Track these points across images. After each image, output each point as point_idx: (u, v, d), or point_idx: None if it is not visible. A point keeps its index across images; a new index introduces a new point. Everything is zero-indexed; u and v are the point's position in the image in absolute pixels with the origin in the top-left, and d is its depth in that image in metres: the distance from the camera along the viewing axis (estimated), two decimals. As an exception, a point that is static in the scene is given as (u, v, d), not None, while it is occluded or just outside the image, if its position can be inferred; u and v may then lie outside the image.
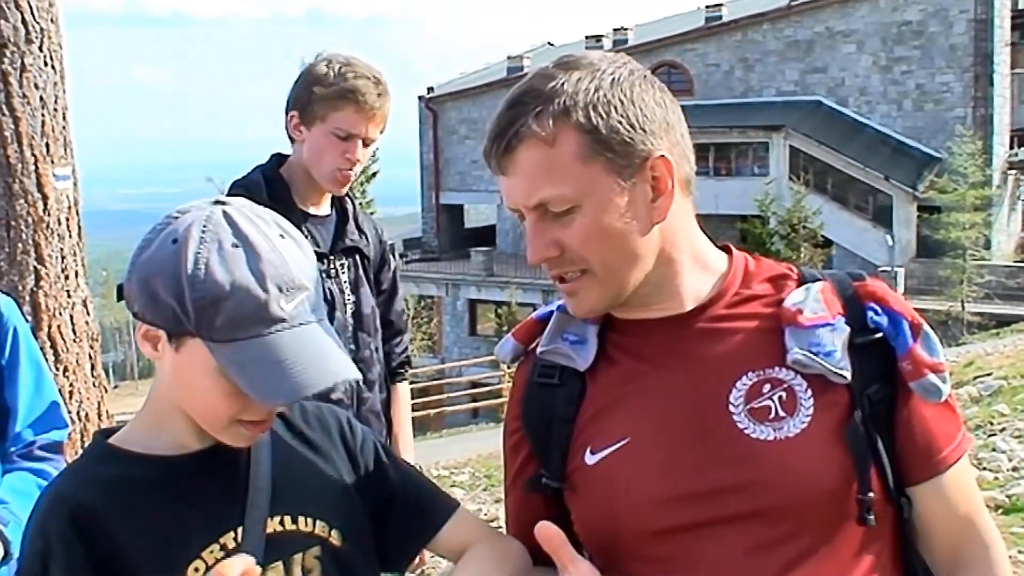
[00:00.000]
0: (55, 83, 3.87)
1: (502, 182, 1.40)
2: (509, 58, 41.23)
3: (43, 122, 3.82)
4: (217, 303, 1.28)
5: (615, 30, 39.15)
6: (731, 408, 1.36)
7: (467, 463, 12.60)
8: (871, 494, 1.34)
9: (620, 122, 1.35)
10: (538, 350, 1.51)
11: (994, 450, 7.52)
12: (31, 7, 3.76)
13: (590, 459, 1.42)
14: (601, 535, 1.44)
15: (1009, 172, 34.18)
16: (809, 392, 1.36)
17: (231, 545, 1.37)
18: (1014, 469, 7.12)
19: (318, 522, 1.46)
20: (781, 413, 1.35)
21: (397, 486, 1.56)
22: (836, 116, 34.28)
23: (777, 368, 1.37)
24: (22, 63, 3.75)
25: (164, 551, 1.35)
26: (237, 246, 1.31)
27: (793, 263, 1.55)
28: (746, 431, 1.35)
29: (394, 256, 3.11)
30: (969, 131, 30.93)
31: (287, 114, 2.78)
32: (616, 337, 1.47)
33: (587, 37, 40.05)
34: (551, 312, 1.54)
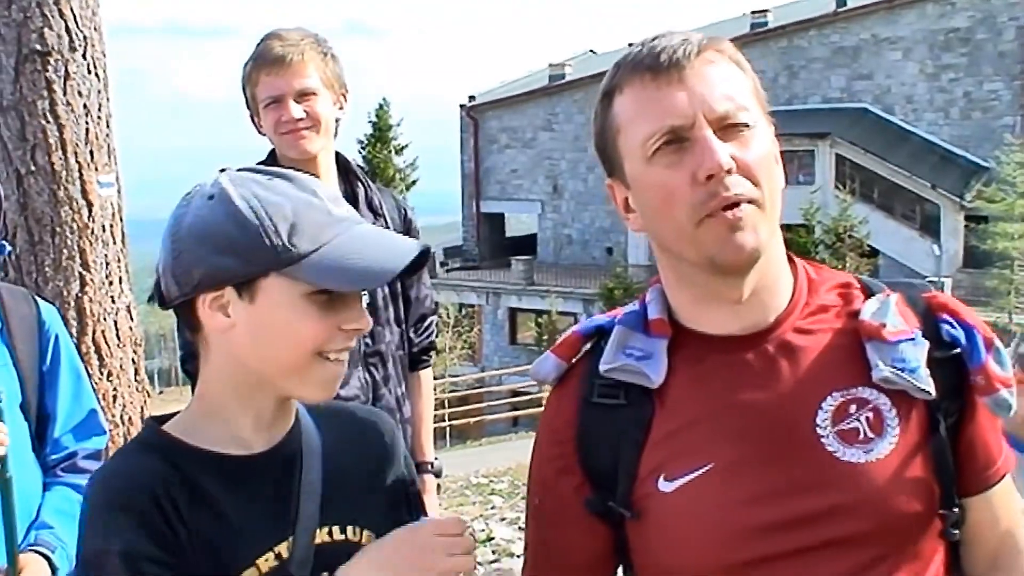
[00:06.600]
0: (98, 91, 3.90)
1: (670, 95, 1.29)
2: (551, 66, 41.23)
3: (87, 129, 3.85)
4: (288, 222, 1.30)
5: (657, 38, 39.00)
6: (818, 430, 1.31)
7: (507, 471, 12.58)
8: (956, 508, 1.33)
9: (757, 82, 1.36)
10: (601, 367, 1.39)
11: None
12: (75, 16, 3.79)
13: (666, 486, 1.33)
14: (675, 567, 1.35)
15: (1059, 181, 33.63)
16: (894, 411, 1.32)
17: (285, 555, 1.36)
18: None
19: (366, 531, 1.43)
20: (870, 434, 1.30)
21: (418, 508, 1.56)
22: (882, 124, 33.92)
23: (861, 387, 1.32)
24: (66, 71, 3.78)
25: (219, 554, 1.32)
26: (271, 178, 1.35)
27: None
28: (836, 454, 1.30)
29: (418, 231, 2.96)
30: (1018, 139, 30.41)
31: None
32: (685, 352, 1.38)
33: (629, 44, 39.88)
34: (596, 327, 1.45)
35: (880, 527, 1.28)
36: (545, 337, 31.08)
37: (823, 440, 1.30)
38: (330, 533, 1.40)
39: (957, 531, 1.34)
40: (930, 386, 1.31)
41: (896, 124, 34.00)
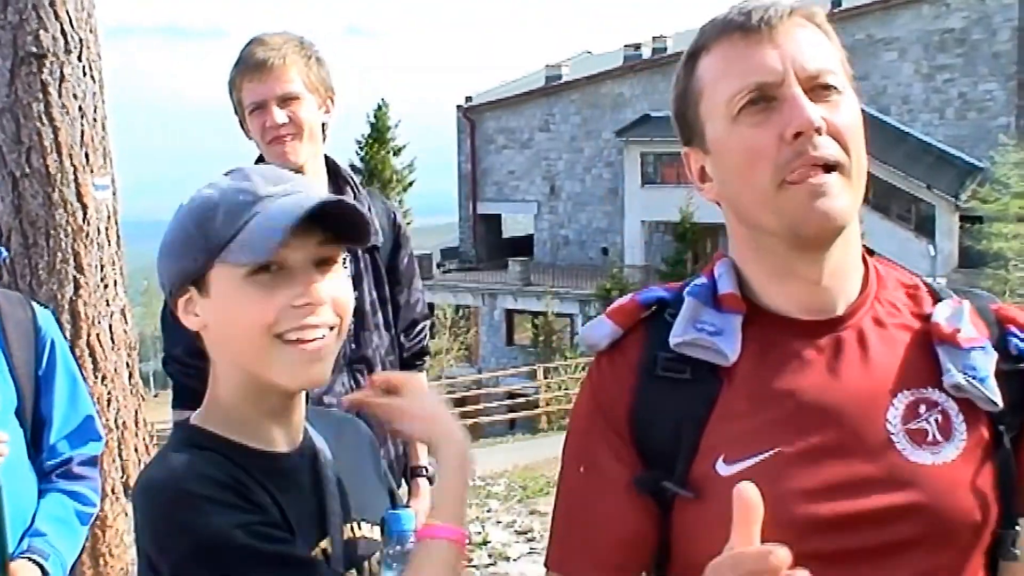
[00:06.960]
0: (94, 93, 3.90)
1: (760, 52, 1.25)
2: (548, 67, 41.23)
3: (82, 132, 3.85)
4: (213, 209, 1.33)
5: (654, 38, 39.06)
6: (888, 427, 1.27)
7: (503, 474, 12.57)
8: (1017, 527, 1.28)
9: (844, 55, 1.32)
10: (672, 340, 1.31)
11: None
12: (70, 18, 3.79)
13: (724, 469, 1.27)
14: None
15: (1054, 181, 33.66)
16: (961, 417, 1.28)
17: (330, 551, 1.40)
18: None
19: (375, 526, 1.49)
20: (938, 437, 1.27)
21: None
22: (878, 124, 33.89)
23: (931, 389, 1.29)
24: (61, 73, 3.78)
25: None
26: (226, 175, 1.39)
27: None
28: (904, 452, 1.26)
29: (408, 239, 2.92)
30: (1013, 140, 30.43)
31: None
32: (756, 331, 1.31)
33: (626, 45, 39.98)
34: (657, 297, 1.38)
35: (939, 532, 1.24)
36: (541, 338, 31.06)
37: (893, 438, 1.26)
38: (352, 529, 1.44)
39: (1018, 549, 1.28)
40: (998, 397, 1.27)
41: (892, 125, 34.01)
